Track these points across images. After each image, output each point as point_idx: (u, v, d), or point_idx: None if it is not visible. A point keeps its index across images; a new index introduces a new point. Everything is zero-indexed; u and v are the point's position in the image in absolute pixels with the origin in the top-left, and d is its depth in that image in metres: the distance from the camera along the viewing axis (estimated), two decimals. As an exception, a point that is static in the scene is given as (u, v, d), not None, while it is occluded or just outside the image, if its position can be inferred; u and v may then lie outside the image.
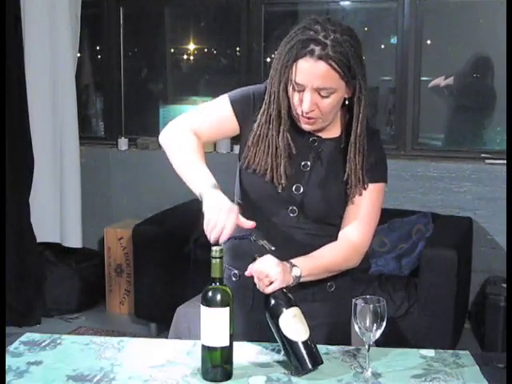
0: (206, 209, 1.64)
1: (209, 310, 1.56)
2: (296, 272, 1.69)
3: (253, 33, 4.74)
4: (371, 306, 1.58)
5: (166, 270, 4.10)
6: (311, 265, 1.75)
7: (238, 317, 1.70)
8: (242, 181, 1.89)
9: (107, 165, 4.96)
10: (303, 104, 1.72)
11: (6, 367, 1.65)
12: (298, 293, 1.71)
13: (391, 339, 1.92)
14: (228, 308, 1.57)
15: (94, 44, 5.32)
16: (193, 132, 1.82)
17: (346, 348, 1.78)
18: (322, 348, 1.68)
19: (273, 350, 1.76)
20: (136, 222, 4.28)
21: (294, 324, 1.62)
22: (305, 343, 1.60)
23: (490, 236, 4.21)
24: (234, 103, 1.85)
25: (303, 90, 1.71)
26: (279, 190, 1.80)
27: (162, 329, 3.99)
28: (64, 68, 4.44)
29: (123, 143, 4.94)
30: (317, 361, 1.61)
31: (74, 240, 4.56)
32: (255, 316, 1.84)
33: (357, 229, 1.83)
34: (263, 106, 1.81)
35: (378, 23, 4.77)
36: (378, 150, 1.86)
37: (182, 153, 1.79)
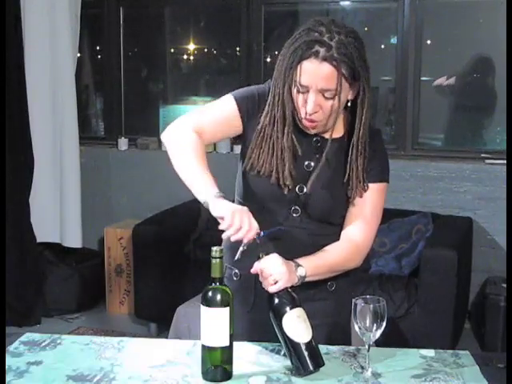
0: (223, 213, 1.62)
1: (209, 310, 1.56)
2: (301, 272, 1.70)
3: (253, 33, 4.73)
4: (371, 305, 1.58)
5: (165, 269, 4.09)
6: (316, 264, 1.75)
7: (238, 317, 1.69)
8: (245, 182, 1.88)
9: (107, 165, 4.96)
10: (307, 105, 1.71)
11: (6, 367, 1.65)
12: (299, 292, 1.70)
13: (391, 339, 1.92)
14: (228, 308, 1.57)
15: (93, 44, 5.32)
16: (195, 131, 1.80)
17: (346, 348, 1.78)
18: (322, 348, 1.68)
19: (273, 350, 1.76)
20: (136, 222, 4.27)
21: (297, 325, 1.61)
22: (307, 344, 1.60)
23: (489, 236, 4.21)
24: (239, 102, 1.84)
25: (307, 92, 1.71)
26: (285, 192, 1.80)
27: (162, 329, 3.98)
28: (64, 68, 4.44)
29: (123, 143, 4.94)
30: (318, 363, 1.61)
31: (73, 240, 4.56)
32: (256, 316, 1.85)
33: (359, 229, 1.83)
34: (266, 107, 1.80)
35: (378, 23, 4.77)
36: (380, 150, 1.86)
37: (184, 155, 1.77)
